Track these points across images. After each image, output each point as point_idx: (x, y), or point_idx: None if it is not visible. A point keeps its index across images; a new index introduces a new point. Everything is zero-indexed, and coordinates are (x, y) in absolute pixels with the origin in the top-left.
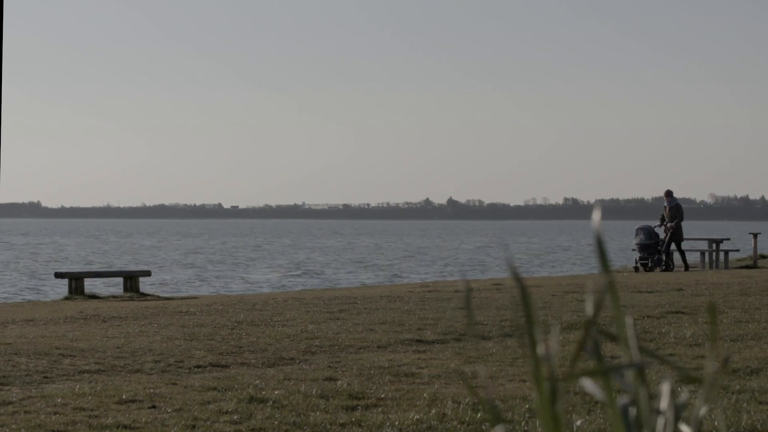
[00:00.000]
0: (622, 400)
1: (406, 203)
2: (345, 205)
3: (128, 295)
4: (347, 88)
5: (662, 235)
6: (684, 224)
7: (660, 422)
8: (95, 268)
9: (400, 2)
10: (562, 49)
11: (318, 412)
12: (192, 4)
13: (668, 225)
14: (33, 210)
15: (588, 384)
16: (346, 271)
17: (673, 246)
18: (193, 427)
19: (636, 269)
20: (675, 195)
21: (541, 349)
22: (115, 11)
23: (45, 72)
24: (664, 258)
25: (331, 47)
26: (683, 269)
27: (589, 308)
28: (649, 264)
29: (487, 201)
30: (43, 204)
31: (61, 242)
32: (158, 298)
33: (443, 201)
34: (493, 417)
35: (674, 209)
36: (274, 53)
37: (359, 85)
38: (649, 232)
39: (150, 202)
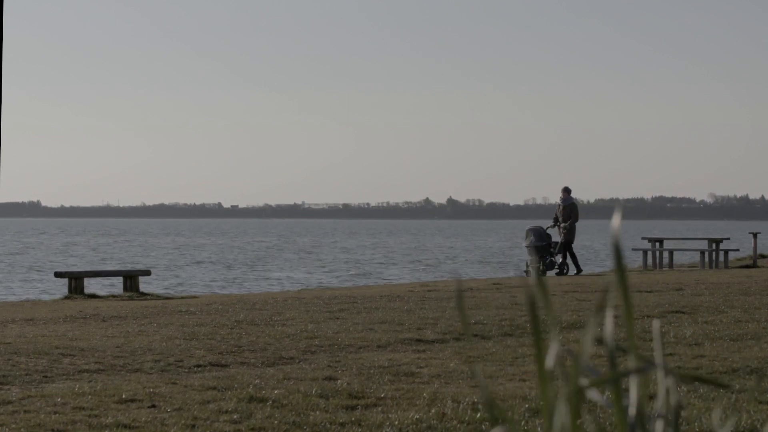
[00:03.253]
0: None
1: (406, 203)
2: (345, 205)
3: (128, 294)
4: (347, 88)
5: (557, 237)
6: (684, 224)
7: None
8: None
9: (400, 2)
10: (562, 49)
11: (318, 412)
12: (192, 4)
13: (561, 225)
14: (33, 210)
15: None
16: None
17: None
18: (193, 426)
19: (527, 273)
20: (674, 195)
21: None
22: (115, 11)
23: (45, 72)
24: (557, 261)
25: (331, 47)
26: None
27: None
28: (541, 268)
29: (486, 201)
30: (43, 204)
31: (73, 241)
32: (158, 297)
33: (443, 201)
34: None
35: (569, 208)
36: (274, 53)
37: (359, 85)
38: (540, 234)
39: (150, 202)
